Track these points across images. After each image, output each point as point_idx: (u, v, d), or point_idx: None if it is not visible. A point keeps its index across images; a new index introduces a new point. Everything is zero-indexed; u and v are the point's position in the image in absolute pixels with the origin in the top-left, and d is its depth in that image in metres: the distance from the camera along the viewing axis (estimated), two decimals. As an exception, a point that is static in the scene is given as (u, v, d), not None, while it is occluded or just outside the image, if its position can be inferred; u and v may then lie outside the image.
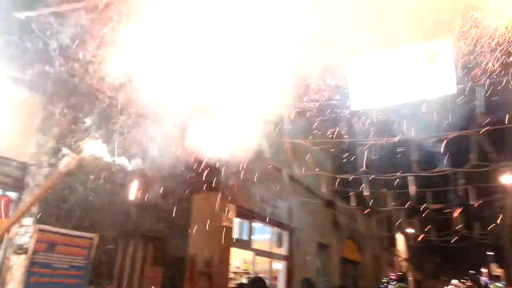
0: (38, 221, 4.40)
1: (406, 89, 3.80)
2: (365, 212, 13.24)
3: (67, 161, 3.05)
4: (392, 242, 20.06)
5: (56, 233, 4.54)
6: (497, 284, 7.04)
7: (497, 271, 20.70)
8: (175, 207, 6.12)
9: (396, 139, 5.37)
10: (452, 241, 15.05)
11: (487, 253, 23.16)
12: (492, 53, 3.79)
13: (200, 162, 5.46)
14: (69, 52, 4.88)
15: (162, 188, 5.62)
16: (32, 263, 4.28)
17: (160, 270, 6.01)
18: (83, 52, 4.71)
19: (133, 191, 5.44)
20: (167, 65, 4.31)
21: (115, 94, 5.34)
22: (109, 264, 5.21)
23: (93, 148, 3.26)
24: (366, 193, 8.04)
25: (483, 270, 25.36)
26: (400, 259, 21.04)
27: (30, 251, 4.28)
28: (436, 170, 8.06)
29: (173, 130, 4.43)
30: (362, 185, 8.26)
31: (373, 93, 4.19)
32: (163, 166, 5.15)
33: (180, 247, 6.37)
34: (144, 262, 5.88)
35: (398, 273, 13.84)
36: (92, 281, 4.92)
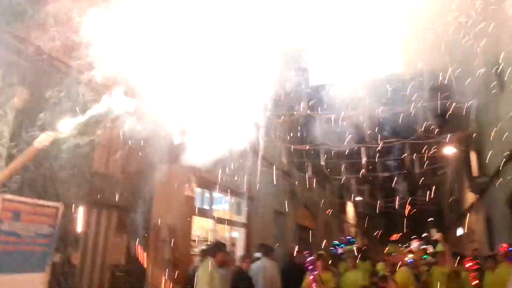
0: (2, 190, 4.40)
1: (359, 68, 4.17)
2: (319, 181, 13.95)
3: (42, 138, 3.15)
4: (343, 210, 21.23)
5: (21, 202, 4.57)
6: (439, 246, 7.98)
7: (436, 235, 22.57)
8: (139, 177, 6.25)
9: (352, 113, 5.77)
10: (396, 208, 16.23)
11: (428, 219, 25.13)
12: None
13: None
14: (28, 20, 4.78)
15: (126, 158, 5.72)
16: (-2, 232, 4.33)
17: (124, 238, 6.19)
18: (44, 21, 4.64)
19: (98, 161, 5.51)
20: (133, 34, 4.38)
21: (78, 65, 5.32)
22: (74, 232, 5.31)
23: (66, 126, 3.35)
24: (322, 163, 8.53)
25: (425, 234, 27.49)
26: (349, 225, 22.37)
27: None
28: (386, 141, 8.67)
29: (140, 102, 4.53)
30: (316, 156, 8.74)
31: (330, 71, 4.54)
32: (128, 137, 5.23)
33: (143, 216, 6.54)
34: (108, 230, 6.02)
35: (347, 238, 14.85)
36: (59, 249, 5.03)
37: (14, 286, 4.43)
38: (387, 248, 6.89)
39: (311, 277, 7.00)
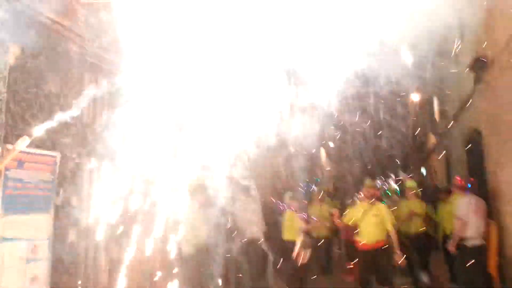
0: (5, 141, 4.78)
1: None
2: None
3: (21, 142, 3.51)
4: (317, 154, 22.32)
5: (24, 152, 4.97)
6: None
7: (402, 175, 24.14)
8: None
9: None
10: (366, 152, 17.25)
11: (395, 161, 26.62)
12: None
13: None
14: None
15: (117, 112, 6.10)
16: (6, 178, 4.77)
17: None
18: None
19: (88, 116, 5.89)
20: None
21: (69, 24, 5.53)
22: (72, 178, 5.80)
23: (40, 131, 3.72)
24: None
25: (392, 176, 29.22)
26: (321, 168, 23.69)
27: (2, 168, 4.73)
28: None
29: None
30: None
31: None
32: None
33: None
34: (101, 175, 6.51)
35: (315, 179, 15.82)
36: (59, 193, 5.54)
37: (24, 225, 4.98)
38: (365, 182, 7.27)
39: (301, 215, 7.72)
